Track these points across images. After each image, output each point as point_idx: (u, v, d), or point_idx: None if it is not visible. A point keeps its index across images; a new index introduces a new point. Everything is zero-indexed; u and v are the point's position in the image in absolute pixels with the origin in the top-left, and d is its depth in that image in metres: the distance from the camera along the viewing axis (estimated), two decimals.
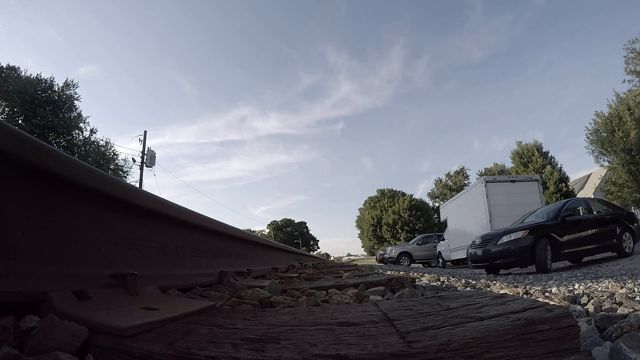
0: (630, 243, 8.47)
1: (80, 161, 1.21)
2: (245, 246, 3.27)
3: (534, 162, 26.82)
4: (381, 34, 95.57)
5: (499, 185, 12.55)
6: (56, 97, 18.45)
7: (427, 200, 45.80)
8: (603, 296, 2.21)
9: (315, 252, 71.56)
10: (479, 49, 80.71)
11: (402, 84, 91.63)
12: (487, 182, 12.41)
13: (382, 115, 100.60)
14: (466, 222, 13.80)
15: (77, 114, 19.68)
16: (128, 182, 4.17)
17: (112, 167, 21.53)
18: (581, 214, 8.45)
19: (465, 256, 11.91)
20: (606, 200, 13.67)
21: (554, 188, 24.54)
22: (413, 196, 44.10)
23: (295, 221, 79.65)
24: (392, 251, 19.53)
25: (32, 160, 0.98)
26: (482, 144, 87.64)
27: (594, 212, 8.64)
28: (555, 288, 3.15)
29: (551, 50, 73.30)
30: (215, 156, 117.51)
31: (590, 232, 7.94)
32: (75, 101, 19.62)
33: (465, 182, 41.89)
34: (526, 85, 77.55)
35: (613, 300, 2.02)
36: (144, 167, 23.35)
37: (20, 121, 17.40)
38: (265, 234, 71.41)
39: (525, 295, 2.63)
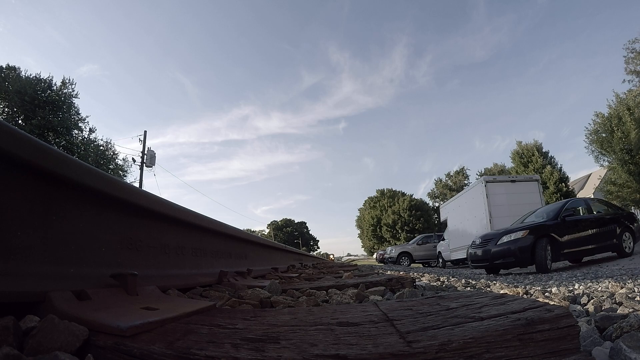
0: (630, 243, 8.47)
1: (80, 161, 1.21)
2: (245, 246, 3.27)
3: (534, 162, 26.80)
4: (384, 33, 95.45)
5: (499, 185, 12.56)
6: (55, 97, 18.45)
7: (427, 200, 45.89)
8: (603, 296, 2.21)
9: (315, 252, 71.51)
10: (482, 48, 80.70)
11: (405, 84, 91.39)
12: (487, 182, 12.42)
13: (384, 114, 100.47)
14: (466, 222, 13.80)
15: (76, 112, 19.68)
16: (127, 182, 4.17)
17: (112, 167, 21.53)
18: (581, 214, 8.45)
19: (465, 256, 11.91)
20: (606, 200, 13.66)
21: (554, 188, 24.52)
22: (413, 196, 44.13)
23: (296, 221, 79.68)
24: (392, 251, 19.54)
25: (32, 160, 0.98)
26: (483, 144, 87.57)
27: (594, 212, 8.64)
28: (555, 288, 3.15)
29: (552, 50, 73.35)
30: (217, 156, 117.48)
31: (590, 232, 7.94)
32: (73, 99, 19.63)
33: (465, 182, 41.90)
34: (528, 84, 77.55)
35: (613, 300, 2.01)
36: (144, 167, 23.35)
37: (20, 121, 17.41)
38: (265, 234, 71.36)
39: (525, 295, 2.63)
